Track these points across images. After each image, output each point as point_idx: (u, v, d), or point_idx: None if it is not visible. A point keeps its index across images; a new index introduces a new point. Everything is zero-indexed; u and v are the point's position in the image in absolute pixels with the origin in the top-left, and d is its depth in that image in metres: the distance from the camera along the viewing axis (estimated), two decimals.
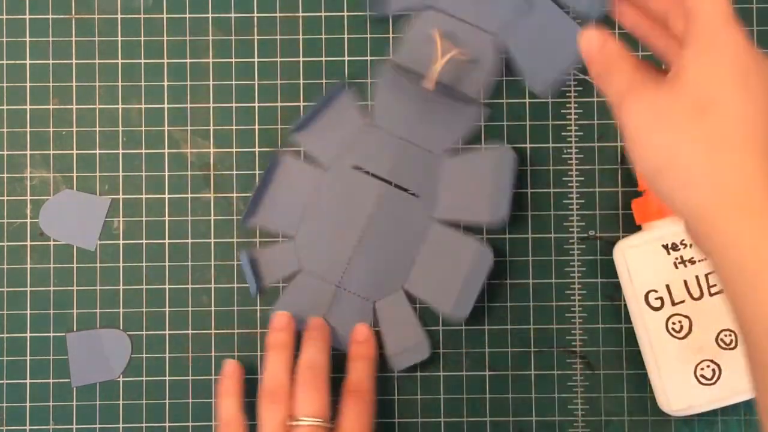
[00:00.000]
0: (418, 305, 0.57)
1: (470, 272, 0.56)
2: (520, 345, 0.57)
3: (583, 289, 0.58)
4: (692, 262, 0.54)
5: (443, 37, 0.55)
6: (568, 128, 0.58)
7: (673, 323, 0.54)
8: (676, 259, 0.54)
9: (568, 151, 0.58)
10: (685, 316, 0.54)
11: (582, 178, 0.58)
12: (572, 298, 0.58)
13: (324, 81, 0.58)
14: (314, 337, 0.55)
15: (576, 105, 0.58)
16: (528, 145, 0.58)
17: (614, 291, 0.57)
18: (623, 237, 0.57)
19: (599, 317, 0.58)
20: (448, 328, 0.58)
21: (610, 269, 0.57)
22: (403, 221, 0.57)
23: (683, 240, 0.54)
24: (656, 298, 0.54)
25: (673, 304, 0.54)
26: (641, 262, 0.55)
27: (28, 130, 0.58)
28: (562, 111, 0.58)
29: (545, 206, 0.58)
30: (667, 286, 0.54)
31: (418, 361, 0.57)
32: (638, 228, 0.56)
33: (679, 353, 0.54)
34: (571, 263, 0.58)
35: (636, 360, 0.57)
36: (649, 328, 0.54)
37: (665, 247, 0.54)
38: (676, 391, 0.54)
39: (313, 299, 0.57)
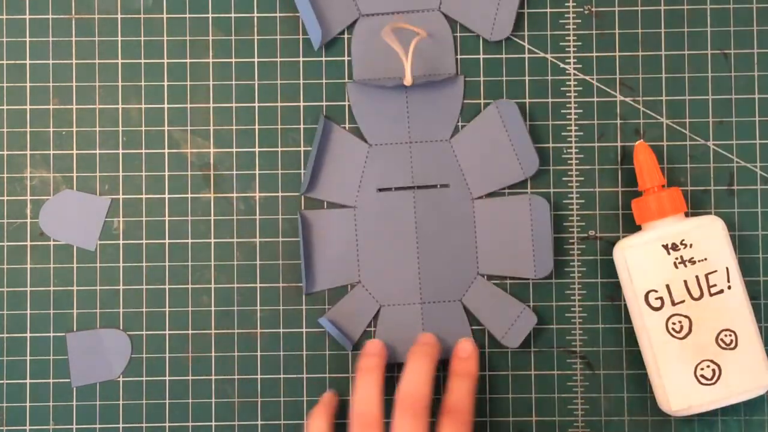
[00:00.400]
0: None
1: (534, 227, 0.57)
2: (520, 345, 0.57)
3: (583, 289, 0.58)
4: (692, 262, 0.54)
5: (393, 30, 0.55)
6: (568, 128, 0.58)
7: (673, 323, 0.54)
8: (676, 259, 0.54)
9: (568, 151, 0.58)
10: (685, 316, 0.54)
11: (582, 178, 0.58)
12: (572, 298, 0.58)
13: (324, 81, 0.58)
14: (418, 357, 0.55)
15: (576, 105, 0.58)
16: None
17: (614, 291, 0.57)
18: (623, 237, 0.57)
19: (599, 317, 0.58)
20: None
21: (610, 269, 0.57)
22: (448, 214, 0.57)
23: (683, 240, 0.54)
24: (656, 298, 0.54)
25: (673, 304, 0.54)
26: (641, 262, 0.54)
27: (28, 130, 0.58)
28: (562, 111, 0.58)
29: None
30: (667, 286, 0.54)
31: (530, 329, 0.57)
32: (638, 228, 0.56)
33: (679, 353, 0.54)
34: (571, 263, 0.58)
35: (636, 360, 0.57)
36: (649, 328, 0.54)
37: (665, 247, 0.54)
38: (676, 391, 0.54)
39: (405, 324, 0.57)
